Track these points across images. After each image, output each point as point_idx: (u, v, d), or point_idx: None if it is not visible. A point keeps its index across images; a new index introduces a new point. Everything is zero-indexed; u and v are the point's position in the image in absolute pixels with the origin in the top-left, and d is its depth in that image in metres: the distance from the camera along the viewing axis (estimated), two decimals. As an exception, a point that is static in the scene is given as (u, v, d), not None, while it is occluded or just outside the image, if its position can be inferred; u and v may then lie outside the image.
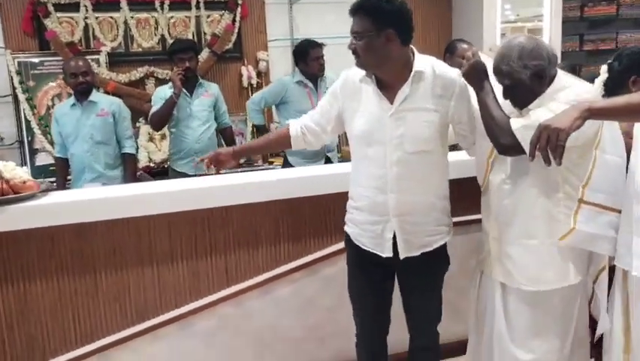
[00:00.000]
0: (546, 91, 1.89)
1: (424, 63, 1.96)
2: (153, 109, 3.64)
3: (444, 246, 2.11)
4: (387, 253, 2.03)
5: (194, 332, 2.50)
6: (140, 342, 2.44)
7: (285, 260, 2.62)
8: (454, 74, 1.97)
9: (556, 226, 1.93)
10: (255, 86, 4.72)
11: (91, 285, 2.37)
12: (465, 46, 3.68)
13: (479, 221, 2.20)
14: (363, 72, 1.99)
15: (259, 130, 4.24)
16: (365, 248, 2.08)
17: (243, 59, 4.72)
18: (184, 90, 3.61)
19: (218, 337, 2.55)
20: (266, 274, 2.58)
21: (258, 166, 4.45)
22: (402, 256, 2.02)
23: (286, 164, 3.90)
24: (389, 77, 1.96)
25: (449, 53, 3.76)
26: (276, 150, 4.02)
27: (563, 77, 1.93)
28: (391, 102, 1.95)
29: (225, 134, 3.99)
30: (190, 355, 2.51)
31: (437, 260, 2.11)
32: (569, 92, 1.85)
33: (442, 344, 2.81)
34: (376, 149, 1.97)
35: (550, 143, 1.54)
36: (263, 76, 4.76)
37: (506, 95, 1.92)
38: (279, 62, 4.82)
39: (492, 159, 2.04)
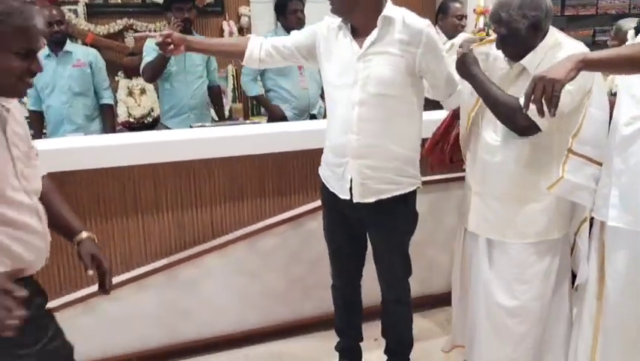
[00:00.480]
0: (539, 45, 1.91)
1: (395, 11, 2.01)
2: (146, 60, 3.51)
3: (406, 198, 2.13)
4: (344, 195, 2.09)
5: (179, 282, 2.52)
6: (126, 291, 2.45)
7: (269, 214, 2.65)
8: (423, 24, 2.01)
9: (543, 183, 1.98)
10: (236, 42, 4.64)
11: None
12: (458, 5, 3.70)
13: (459, 179, 2.24)
14: (340, 20, 2.06)
15: (259, 102, 4.13)
16: (331, 189, 2.16)
17: (225, 13, 4.63)
18: None
19: (202, 288, 2.58)
20: (250, 227, 2.61)
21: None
22: (355, 200, 2.07)
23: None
24: (360, 23, 2.02)
25: (442, 13, 3.76)
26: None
27: (555, 33, 1.95)
28: (361, 47, 2.01)
29: (213, 93, 3.90)
30: (175, 305, 2.54)
31: (399, 214, 2.14)
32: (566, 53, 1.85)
33: (423, 296, 2.93)
34: (344, 90, 2.03)
35: (546, 93, 1.56)
36: (244, 32, 4.67)
37: (501, 44, 1.94)
38: (262, 18, 4.75)
39: (474, 114, 2.08)
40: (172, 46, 2.11)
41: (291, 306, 2.78)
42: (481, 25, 4.50)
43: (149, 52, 3.49)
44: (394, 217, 2.13)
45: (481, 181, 2.07)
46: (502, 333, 2.11)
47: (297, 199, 2.68)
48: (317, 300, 2.73)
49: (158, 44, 2.12)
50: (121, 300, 2.45)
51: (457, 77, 2.08)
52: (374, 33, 1.99)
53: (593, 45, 3.15)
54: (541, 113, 1.60)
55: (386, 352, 2.43)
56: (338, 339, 2.49)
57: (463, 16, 3.72)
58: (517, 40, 1.89)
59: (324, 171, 2.21)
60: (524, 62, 1.92)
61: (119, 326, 2.48)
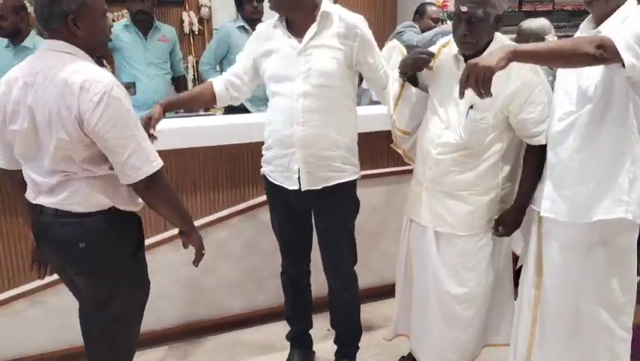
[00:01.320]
0: (489, 48, 1.96)
1: (332, 7, 2.10)
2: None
3: (349, 187, 2.23)
4: (292, 185, 2.16)
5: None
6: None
7: (223, 206, 2.66)
8: (358, 19, 2.11)
9: (488, 179, 2.06)
10: (196, 33, 4.61)
11: (15, 226, 2.36)
12: (434, 8, 3.78)
13: (411, 171, 2.28)
14: (275, 19, 2.13)
15: None
16: (277, 183, 2.21)
17: (184, 3, 4.59)
18: (138, 33, 3.45)
19: (155, 280, 2.53)
20: (204, 218, 2.62)
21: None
22: (303, 188, 2.15)
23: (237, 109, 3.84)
24: (299, 19, 2.09)
25: (418, 14, 3.82)
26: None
27: (500, 35, 2.02)
28: (300, 42, 2.08)
29: (179, 84, 3.87)
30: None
31: (343, 201, 2.24)
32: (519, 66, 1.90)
33: (378, 286, 2.98)
34: (286, 84, 2.10)
35: (477, 80, 1.64)
36: (205, 23, 4.65)
37: (468, 28, 1.94)
38: (222, 9, 4.71)
39: (429, 112, 2.13)
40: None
41: (246, 297, 2.80)
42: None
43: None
44: (340, 203, 2.22)
45: (431, 177, 2.12)
46: (452, 319, 2.19)
47: (250, 191, 2.70)
48: (271, 291, 2.75)
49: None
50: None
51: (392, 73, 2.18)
52: (314, 27, 2.06)
53: None
54: (479, 95, 1.67)
55: (336, 341, 2.49)
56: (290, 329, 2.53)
57: (439, 19, 3.79)
58: (485, 27, 1.93)
59: (265, 169, 2.27)
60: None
61: (67, 319, 2.46)
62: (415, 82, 2.20)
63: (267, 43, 2.15)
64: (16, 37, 3.26)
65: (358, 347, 2.50)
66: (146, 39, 3.54)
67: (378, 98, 2.32)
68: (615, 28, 1.72)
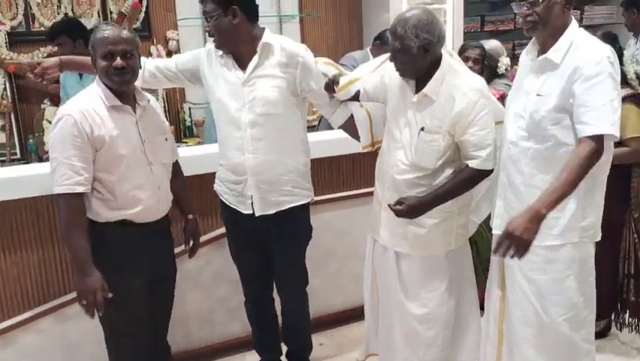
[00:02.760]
0: (436, 74, 2.01)
1: (273, 38, 2.18)
2: None
3: (301, 210, 2.30)
4: (246, 210, 2.23)
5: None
6: (46, 322, 2.44)
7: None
8: (300, 48, 2.20)
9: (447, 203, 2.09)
10: (165, 66, 4.64)
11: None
12: None
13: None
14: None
15: None
16: (231, 206, 2.27)
17: (152, 38, 4.63)
18: (74, 73, 3.38)
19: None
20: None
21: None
22: (257, 214, 2.21)
23: None
24: (242, 53, 2.17)
25: (380, 40, 3.86)
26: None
27: (448, 60, 2.06)
28: (244, 72, 2.16)
29: None
30: (95, 332, 2.51)
31: (297, 224, 2.31)
32: (464, 82, 2.02)
33: (347, 309, 2.99)
34: (233, 114, 2.18)
35: (517, 250, 1.76)
36: (173, 55, 4.68)
37: (393, 57, 2.04)
38: (190, 42, 4.77)
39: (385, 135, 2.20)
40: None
41: (217, 327, 2.79)
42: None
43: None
44: (294, 227, 2.29)
45: (390, 198, 2.14)
46: (414, 339, 2.22)
47: (218, 220, 2.71)
48: (243, 319, 2.73)
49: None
50: (42, 331, 2.42)
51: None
52: (255, 59, 2.14)
53: (512, 58, 3.32)
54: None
55: (288, 357, 2.57)
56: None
57: None
58: (407, 57, 1.99)
59: (220, 188, 2.33)
60: (426, 90, 2.02)
61: (41, 358, 2.45)
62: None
63: (216, 69, 2.21)
64: None
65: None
66: (81, 77, 3.49)
67: (330, 122, 2.38)
68: (563, 56, 1.81)
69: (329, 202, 2.92)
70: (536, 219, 1.74)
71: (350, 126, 2.36)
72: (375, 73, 2.28)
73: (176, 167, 2.27)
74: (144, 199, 2.03)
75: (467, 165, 2.03)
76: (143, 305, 2.12)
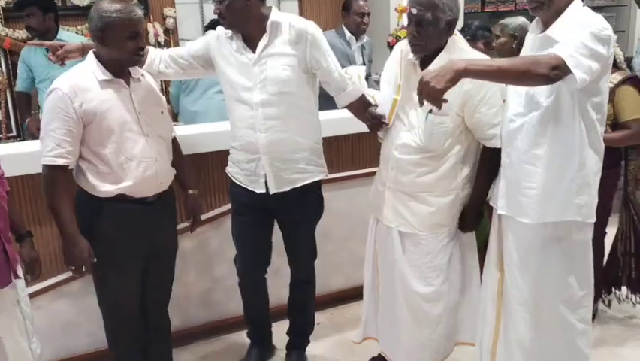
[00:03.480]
0: (443, 52, 1.99)
1: (281, 16, 2.17)
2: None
3: (315, 186, 2.32)
4: (259, 189, 2.24)
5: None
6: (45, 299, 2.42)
7: (188, 215, 2.64)
8: (308, 24, 2.17)
9: (448, 181, 2.09)
10: (162, 44, 4.59)
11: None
12: (361, 2, 3.73)
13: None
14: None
15: None
16: (243, 185, 2.27)
17: (149, 15, 4.57)
18: (40, 48, 3.39)
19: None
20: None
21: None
22: (271, 192, 2.22)
23: None
24: (252, 32, 2.15)
25: (345, 11, 3.79)
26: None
27: (457, 40, 2.05)
28: (254, 52, 2.14)
29: None
30: (93, 310, 2.50)
31: (308, 198, 2.32)
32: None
33: (347, 289, 3.00)
34: (245, 94, 2.17)
35: (430, 97, 1.69)
36: (171, 34, 4.64)
37: (417, 28, 1.97)
38: (187, 19, 4.72)
39: (393, 115, 2.13)
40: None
41: (215, 307, 2.79)
42: (404, 22, 4.60)
43: None
44: (307, 203, 2.32)
45: (393, 177, 2.14)
46: (421, 318, 2.21)
47: (216, 199, 2.70)
48: (239, 298, 2.73)
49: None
50: (40, 308, 2.41)
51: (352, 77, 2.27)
52: (265, 38, 2.12)
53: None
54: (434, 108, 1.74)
55: (290, 333, 2.59)
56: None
57: (365, 14, 3.73)
58: (435, 30, 1.96)
59: (232, 169, 2.33)
60: (432, 66, 1.96)
61: (38, 336, 2.43)
62: None
63: (226, 51, 2.20)
64: None
65: (309, 341, 2.60)
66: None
67: (336, 101, 2.34)
68: (562, 35, 1.75)
69: (329, 182, 2.88)
70: (451, 69, 1.66)
71: (355, 107, 2.32)
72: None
73: (174, 143, 2.27)
74: (141, 171, 2.03)
75: (486, 148, 2.06)
76: (137, 281, 2.14)
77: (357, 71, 2.39)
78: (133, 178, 2.02)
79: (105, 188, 2.00)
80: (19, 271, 1.87)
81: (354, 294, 2.96)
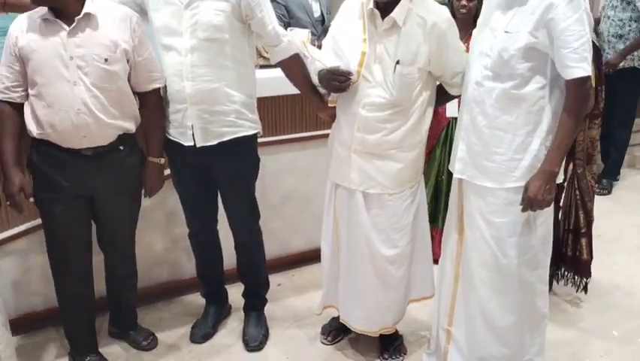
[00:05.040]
0: (402, 1, 1.93)
1: None
2: None
3: (247, 142, 2.21)
4: (187, 141, 2.15)
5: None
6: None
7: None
8: None
9: (414, 135, 2.07)
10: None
11: None
12: None
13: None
14: None
15: None
16: (174, 139, 2.18)
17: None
18: None
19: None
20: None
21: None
22: (198, 145, 2.13)
23: None
24: None
25: None
26: None
27: None
28: None
29: None
30: (44, 270, 2.42)
31: (241, 156, 2.22)
32: (433, 8, 1.97)
33: (307, 250, 2.96)
34: (174, 39, 2.06)
35: (544, 207, 1.84)
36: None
37: None
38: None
39: (362, 69, 2.02)
40: None
41: (172, 267, 2.73)
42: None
43: None
44: (237, 159, 2.21)
45: (360, 138, 2.07)
46: (387, 280, 2.21)
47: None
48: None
49: None
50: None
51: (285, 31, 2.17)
52: None
53: None
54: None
55: (245, 295, 2.56)
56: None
57: None
58: None
59: (165, 123, 2.22)
60: (394, 14, 1.93)
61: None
62: None
63: None
64: None
65: (266, 300, 2.57)
66: None
67: (269, 56, 2.24)
68: (535, 10, 1.72)
69: (291, 142, 2.83)
70: (551, 178, 1.80)
71: (286, 66, 2.20)
72: (324, 47, 2.16)
73: (146, 98, 2.14)
74: (57, 120, 1.93)
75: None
76: (77, 223, 2.12)
77: (301, 36, 2.20)
78: (49, 126, 1.94)
79: (31, 127, 1.98)
80: None
81: (314, 256, 2.91)
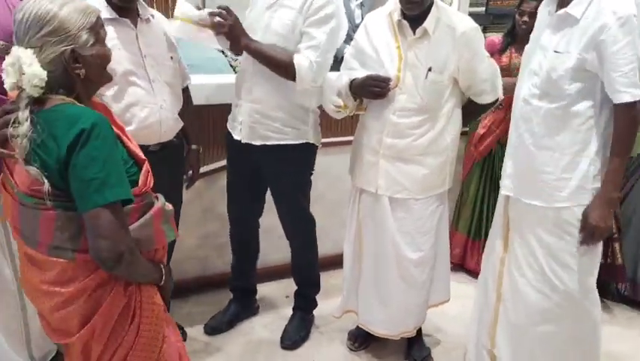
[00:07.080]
0: (432, 12, 2.02)
1: None
2: None
3: (296, 150, 2.26)
4: (236, 135, 2.26)
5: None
6: None
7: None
8: None
9: (441, 141, 2.12)
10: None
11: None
12: None
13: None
14: None
15: None
16: (229, 129, 2.32)
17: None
18: None
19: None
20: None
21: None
22: (243, 140, 2.24)
23: None
24: None
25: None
26: None
27: (440, 2, 2.08)
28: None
29: None
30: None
31: (288, 163, 2.28)
32: (460, 19, 2.07)
33: (338, 254, 2.95)
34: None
35: (605, 234, 1.84)
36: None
37: None
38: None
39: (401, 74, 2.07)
40: None
41: (203, 263, 2.74)
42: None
43: None
44: (284, 165, 2.27)
45: (389, 143, 2.11)
46: (411, 283, 2.24)
47: (211, 154, 2.63)
48: (230, 256, 2.70)
49: None
50: None
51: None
52: None
53: (517, 7, 3.07)
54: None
55: (294, 293, 2.60)
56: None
57: None
58: None
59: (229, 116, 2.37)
60: (426, 25, 2.01)
61: None
62: None
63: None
64: None
65: (315, 303, 2.59)
66: None
67: None
68: (583, 10, 1.73)
69: (324, 146, 2.83)
70: (611, 204, 1.81)
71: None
72: (347, 60, 2.23)
73: (185, 93, 2.20)
74: (143, 117, 1.96)
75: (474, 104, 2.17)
76: None
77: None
78: (135, 123, 1.95)
79: None
80: None
81: (340, 261, 2.94)
